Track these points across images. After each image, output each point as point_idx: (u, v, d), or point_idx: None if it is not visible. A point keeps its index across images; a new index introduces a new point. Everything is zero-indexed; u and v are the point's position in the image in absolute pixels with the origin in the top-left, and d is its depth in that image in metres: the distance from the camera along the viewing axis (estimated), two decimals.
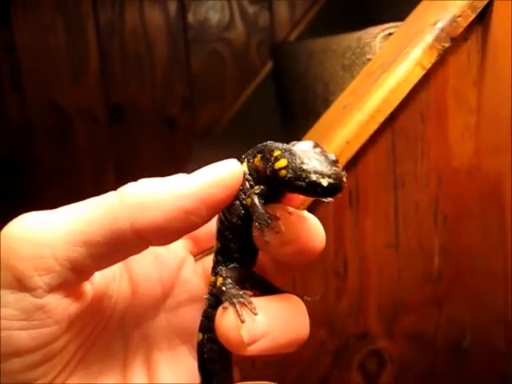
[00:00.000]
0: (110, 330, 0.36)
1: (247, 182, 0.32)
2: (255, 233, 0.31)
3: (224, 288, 0.32)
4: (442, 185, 0.66)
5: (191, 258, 0.39)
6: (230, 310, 0.30)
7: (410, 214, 0.66)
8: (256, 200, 0.31)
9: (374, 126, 0.60)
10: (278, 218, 0.30)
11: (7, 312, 0.29)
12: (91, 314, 0.34)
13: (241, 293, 0.31)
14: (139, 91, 1.55)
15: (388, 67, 0.62)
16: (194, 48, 1.56)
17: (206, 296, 0.34)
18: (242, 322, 0.30)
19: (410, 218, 0.66)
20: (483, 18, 0.63)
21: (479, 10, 0.61)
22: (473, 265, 0.68)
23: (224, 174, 0.31)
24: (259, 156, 0.32)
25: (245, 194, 0.32)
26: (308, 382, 0.70)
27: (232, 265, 0.33)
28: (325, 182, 0.29)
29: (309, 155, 0.30)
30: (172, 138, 1.57)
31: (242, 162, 0.33)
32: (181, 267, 0.38)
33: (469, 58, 0.64)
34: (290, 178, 0.29)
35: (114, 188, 0.31)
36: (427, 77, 0.62)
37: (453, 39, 0.61)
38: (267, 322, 0.31)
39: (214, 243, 0.35)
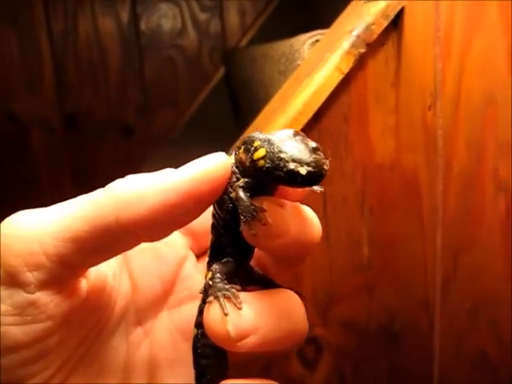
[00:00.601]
0: (111, 328, 0.35)
1: (234, 176, 0.31)
2: (242, 226, 0.30)
3: (211, 282, 0.31)
4: (366, 180, 0.70)
5: (192, 255, 0.39)
6: (215, 304, 0.30)
7: (338, 208, 0.70)
8: (241, 193, 0.30)
9: (298, 127, 0.64)
10: (264, 210, 0.30)
11: (0, 307, 0.29)
12: (89, 310, 0.34)
13: (227, 287, 0.31)
14: (94, 99, 1.57)
15: (310, 72, 0.66)
16: (147, 55, 1.59)
17: (200, 291, 0.34)
18: (226, 314, 0.29)
19: (338, 211, 0.70)
20: (397, 24, 0.68)
21: (391, 17, 0.66)
22: (398, 253, 0.73)
23: (209, 167, 0.30)
24: (243, 148, 0.31)
25: (231, 187, 0.31)
26: (250, 371, 0.74)
27: (225, 259, 0.33)
28: (303, 170, 0.28)
29: (287, 144, 0.29)
30: (128, 144, 1.60)
31: (230, 155, 0.32)
32: (181, 264, 0.38)
33: (386, 62, 0.69)
34: (268, 167, 0.29)
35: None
36: (348, 80, 0.67)
37: (368, 45, 0.66)
38: (256, 317, 0.30)
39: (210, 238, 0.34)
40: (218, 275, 0.32)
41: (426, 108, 0.65)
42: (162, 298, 0.37)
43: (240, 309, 0.30)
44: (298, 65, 0.77)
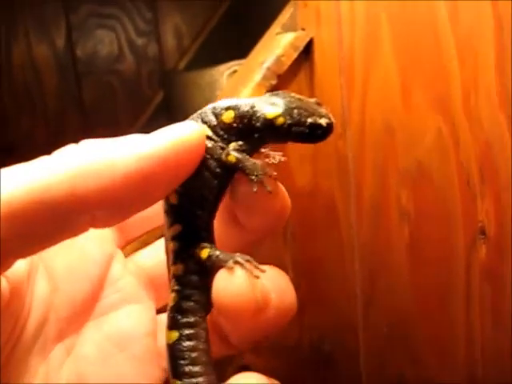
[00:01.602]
0: (27, 343, 0.29)
1: (214, 145, 0.29)
2: (255, 187, 0.28)
3: (217, 253, 0.29)
4: None
5: (120, 252, 0.33)
6: (238, 269, 0.27)
7: None
8: (240, 155, 0.28)
9: None
10: (269, 164, 0.29)
11: None
12: (4, 322, 0.27)
13: (238, 254, 0.28)
14: (32, 127, 1.55)
15: None
16: (85, 81, 1.58)
17: (175, 288, 0.30)
18: (257, 277, 0.27)
19: None
20: (308, 55, 0.70)
21: (301, 48, 0.68)
22: (322, 277, 0.75)
23: (186, 135, 0.26)
24: (231, 112, 0.29)
25: (214, 160, 0.29)
26: None
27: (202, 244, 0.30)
28: (323, 121, 0.28)
29: (293, 100, 0.29)
30: None
31: None
32: (109, 262, 0.32)
33: (300, 92, 0.70)
34: (290, 124, 0.28)
35: None
36: None
37: (279, 76, 0.67)
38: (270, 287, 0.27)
39: (163, 230, 0.31)
40: (217, 250, 0.29)
41: (338, 137, 0.67)
42: (88, 304, 0.31)
43: (263, 271, 0.27)
44: (217, 95, 0.78)
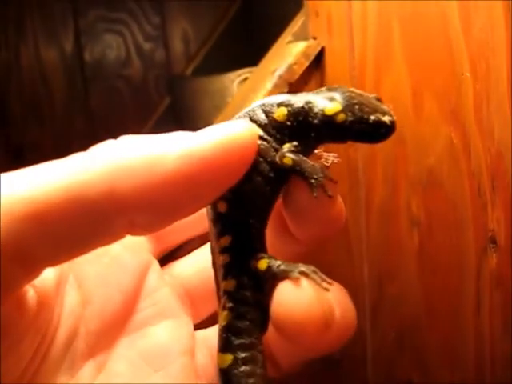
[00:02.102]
0: (55, 359, 0.26)
1: (266, 145, 0.27)
2: (315, 191, 0.25)
3: (278, 263, 0.26)
4: None
5: (156, 262, 0.31)
6: (304, 281, 0.24)
7: None
8: (297, 157, 0.26)
9: None
10: (328, 166, 0.27)
11: None
12: (31, 333, 0.25)
13: (302, 264, 0.25)
14: (39, 131, 1.56)
15: (237, 112, 0.68)
16: (92, 86, 1.59)
17: (227, 305, 0.27)
18: (327, 290, 0.24)
19: None
20: (319, 64, 0.70)
21: (312, 57, 0.69)
22: (332, 279, 0.75)
23: (237, 133, 0.24)
24: (283, 109, 0.27)
25: (267, 163, 0.27)
26: None
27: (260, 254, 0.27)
28: (387, 119, 0.26)
29: (354, 96, 0.27)
30: None
31: None
32: (145, 273, 0.30)
33: None
34: (352, 121, 0.26)
35: None
36: None
37: (291, 85, 0.68)
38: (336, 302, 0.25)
39: (210, 241, 0.29)
40: (278, 261, 0.26)
41: (348, 145, 0.68)
42: (121, 318, 0.29)
43: (331, 284, 0.25)
44: (228, 103, 0.79)
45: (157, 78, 1.62)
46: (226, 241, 0.27)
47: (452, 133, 0.56)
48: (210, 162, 0.22)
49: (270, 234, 0.28)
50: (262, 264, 0.26)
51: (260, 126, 0.27)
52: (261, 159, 0.26)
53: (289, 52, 0.69)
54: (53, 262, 0.23)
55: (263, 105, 0.28)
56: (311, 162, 0.26)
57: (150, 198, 0.22)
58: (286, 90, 0.68)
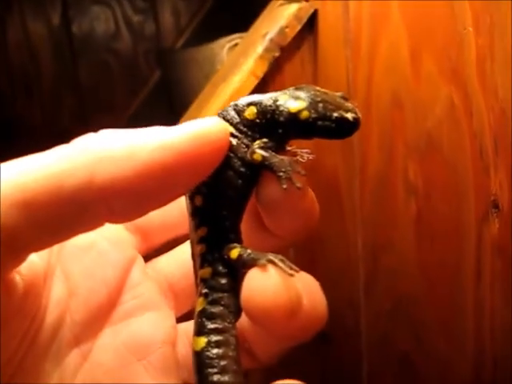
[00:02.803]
0: (42, 346, 0.28)
1: (238, 142, 0.28)
2: (284, 184, 0.26)
3: (248, 252, 0.27)
4: None
5: (140, 258, 0.33)
6: (271, 268, 0.25)
7: None
8: (266, 152, 0.27)
9: None
10: (297, 160, 0.28)
11: None
12: (18, 319, 0.26)
13: (271, 253, 0.26)
14: (28, 106, 1.54)
15: (226, 77, 0.66)
16: (81, 59, 1.56)
17: (202, 291, 0.29)
18: (291, 275, 0.25)
19: None
20: (312, 27, 0.68)
21: (304, 20, 0.66)
22: (323, 253, 0.73)
23: (209, 127, 0.25)
24: (253, 108, 0.28)
25: (238, 159, 0.28)
26: None
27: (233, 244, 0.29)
28: (350, 116, 0.27)
29: (318, 94, 0.28)
30: None
31: None
32: (129, 267, 0.32)
33: (302, 65, 0.69)
34: (315, 118, 0.27)
35: None
36: (265, 84, 0.66)
37: (282, 49, 0.65)
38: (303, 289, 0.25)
39: (191, 233, 0.30)
40: (248, 249, 0.27)
41: None
42: (106, 309, 0.31)
43: (297, 271, 0.25)
44: (218, 69, 0.76)
45: (146, 52, 1.59)
46: (202, 232, 0.29)
47: (453, 93, 0.54)
48: (183, 153, 0.24)
49: (249, 230, 0.30)
50: (234, 253, 0.28)
51: (232, 124, 0.29)
52: (232, 155, 0.28)
53: (280, 14, 0.66)
54: (37, 246, 0.24)
55: (235, 105, 0.29)
56: (280, 157, 0.27)
57: (128, 186, 0.23)
58: (278, 53, 0.66)
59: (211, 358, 0.27)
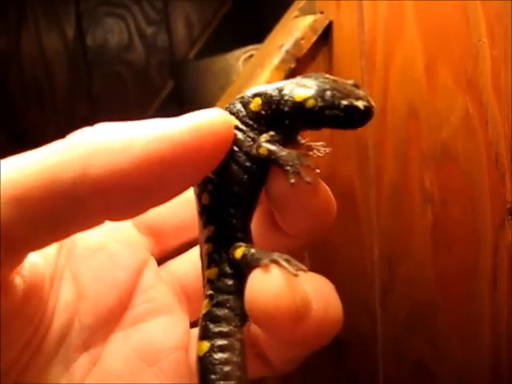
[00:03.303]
0: (49, 351, 0.27)
1: (244, 136, 0.27)
2: (293, 178, 0.25)
3: (252, 251, 0.26)
4: None
5: (153, 260, 0.32)
6: (275, 268, 0.23)
7: None
8: (273, 146, 0.26)
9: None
10: (307, 154, 0.26)
11: None
12: (20, 323, 0.26)
13: (276, 253, 0.24)
14: (41, 117, 1.55)
15: (242, 89, 0.67)
16: (94, 71, 1.58)
17: (208, 293, 0.27)
18: (296, 275, 0.23)
19: None
20: (327, 39, 0.69)
21: (320, 32, 0.67)
22: (339, 261, 0.74)
23: (211, 118, 0.24)
24: (258, 99, 0.27)
25: (244, 153, 0.27)
26: None
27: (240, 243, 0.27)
28: (360, 104, 0.25)
29: (326, 81, 0.26)
30: None
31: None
32: (141, 270, 0.31)
33: None
34: (321, 106, 0.25)
35: None
36: None
37: (298, 60, 0.66)
38: (312, 292, 0.24)
39: (199, 232, 0.29)
40: (253, 249, 0.26)
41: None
42: (116, 313, 0.30)
43: (305, 271, 0.24)
44: (234, 80, 0.78)
45: (159, 63, 1.61)
46: (209, 231, 0.28)
47: (468, 102, 0.55)
48: (182, 144, 0.23)
49: (261, 230, 0.29)
50: (238, 253, 0.26)
51: (238, 117, 0.27)
52: (237, 149, 0.27)
53: (296, 26, 0.68)
54: (34, 245, 0.23)
55: (241, 97, 0.28)
56: (287, 150, 0.26)
57: (123, 179, 0.22)
58: (294, 65, 0.67)
59: (214, 364, 0.26)
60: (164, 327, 0.30)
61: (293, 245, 0.28)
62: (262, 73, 0.66)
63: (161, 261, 0.32)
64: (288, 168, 0.25)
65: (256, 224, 0.28)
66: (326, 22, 0.68)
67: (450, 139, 0.58)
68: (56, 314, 0.28)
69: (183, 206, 0.31)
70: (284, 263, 0.24)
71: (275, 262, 0.24)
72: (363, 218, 0.70)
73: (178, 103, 1.52)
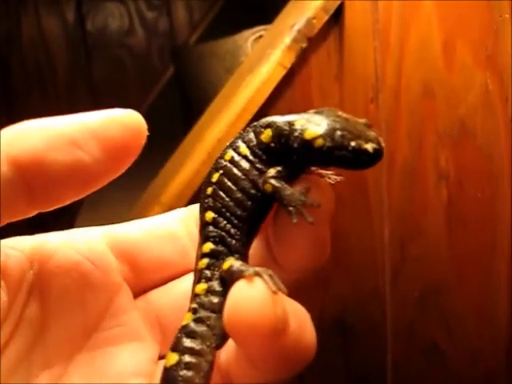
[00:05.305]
0: (7, 366, 0.27)
1: (251, 166, 0.28)
2: (295, 218, 0.26)
3: (238, 265, 0.26)
4: None
5: (127, 288, 0.31)
6: (258, 281, 0.23)
7: None
8: (278, 183, 0.26)
9: (242, 124, 0.64)
10: (308, 189, 0.26)
11: None
12: None
13: (261, 268, 0.25)
14: (42, 101, 1.54)
15: (253, 69, 0.66)
16: (95, 55, 1.57)
17: (191, 306, 0.27)
18: (275, 292, 0.23)
19: None
20: (338, 18, 0.68)
21: (332, 11, 0.66)
22: (348, 245, 0.73)
23: (122, 115, 0.26)
24: (269, 131, 0.27)
25: (250, 181, 0.28)
26: None
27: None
28: (369, 147, 0.25)
29: (338, 120, 0.26)
30: None
31: (233, 149, 0.28)
32: (114, 294, 0.30)
33: (329, 56, 0.69)
34: (329, 147, 0.25)
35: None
36: (291, 75, 0.67)
37: (310, 39, 0.66)
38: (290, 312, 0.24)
39: (198, 246, 0.29)
40: (239, 262, 0.27)
41: (369, 101, 0.66)
42: (82, 335, 0.29)
43: (285, 293, 0.24)
44: (242, 61, 0.77)
45: (160, 47, 1.60)
46: (206, 248, 0.28)
47: (488, 79, 0.54)
48: (91, 128, 0.25)
49: (258, 259, 0.29)
50: (226, 264, 0.27)
51: (248, 147, 0.28)
52: (243, 177, 0.28)
53: (307, 6, 0.67)
54: None
55: (255, 126, 0.28)
56: (291, 190, 0.26)
57: (40, 159, 0.24)
58: (305, 44, 0.66)
59: (176, 380, 0.25)
60: (130, 353, 0.30)
61: (286, 278, 0.27)
62: (273, 53, 0.65)
63: (138, 294, 0.32)
64: (291, 209, 0.26)
65: (253, 253, 0.29)
66: (338, 2, 0.67)
67: (468, 117, 0.57)
68: (19, 329, 0.28)
69: (163, 242, 0.32)
70: (267, 278, 0.24)
71: (258, 274, 0.24)
72: (374, 202, 0.69)
73: (179, 87, 1.51)
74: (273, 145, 0.27)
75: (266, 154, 0.28)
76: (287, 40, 0.65)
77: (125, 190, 0.75)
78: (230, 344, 0.27)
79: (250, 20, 1.24)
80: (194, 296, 0.28)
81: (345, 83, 0.69)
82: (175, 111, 1.49)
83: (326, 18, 0.66)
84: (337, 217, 0.72)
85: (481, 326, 0.62)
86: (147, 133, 0.27)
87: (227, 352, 0.27)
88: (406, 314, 0.70)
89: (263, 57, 0.66)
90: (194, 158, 0.64)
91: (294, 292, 0.26)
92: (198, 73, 1.16)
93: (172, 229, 0.32)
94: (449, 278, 0.64)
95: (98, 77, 1.57)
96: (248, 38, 0.75)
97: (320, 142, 0.26)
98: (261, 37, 0.76)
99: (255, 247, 0.29)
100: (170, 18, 1.61)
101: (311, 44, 0.66)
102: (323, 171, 0.29)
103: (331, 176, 0.29)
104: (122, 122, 0.26)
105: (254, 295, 0.23)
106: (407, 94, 0.62)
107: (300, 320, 0.24)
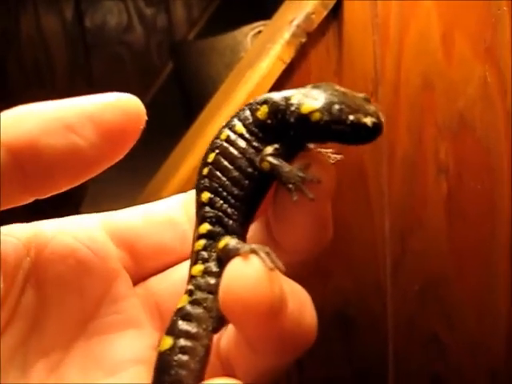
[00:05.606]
0: (4, 353, 0.27)
1: (247, 144, 0.27)
2: (294, 196, 0.25)
3: (234, 243, 0.25)
4: None
5: (126, 275, 0.31)
6: (254, 258, 0.23)
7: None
8: (275, 160, 0.26)
9: None
10: (308, 165, 0.25)
11: None
12: None
13: (258, 245, 0.24)
14: (40, 99, 1.54)
15: (253, 64, 0.67)
16: (94, 52, 1.57)
17: (189, 288, 0.27)
18: (271, 269, 0.22)
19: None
20: (337, 14, 0.68)
21: (331, 6, 0.67)
22: (349, 238, 0.74)
23: (120, 98, 0.26)
24: (265, 107, 0.27)
25: (247, 159, 0.27)
26: None
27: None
28: (369, 121, 0.25)
29: (336, 94, 0.26)
30: None
31: (229, 127, 0.28)
32: (112, 281, 0.30)
33: (328, 51, 0.69)
34: (327, 121, 0.25)
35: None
36: (291, 70, 0.67)
37: (309, 34, 0.66)
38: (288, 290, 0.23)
39: (195, 228, 0.28)
40: (235, 240, 0.26)
41: (369, 95, 0.66)
42: (80, 322, 0.29)
43: (283, 270, 0.23)
44: (242, 57, 0.77)
45: (159, 44, 1.60)
46: (203, 229, 0.27)
47: (487, 72, 0.54)
48: (85, 114, 0.25)
49: (258, 242, 0.28)
50: (222, 243, 0.26)
51: (244, 124, 0.27)
52: (240, 156, 0.27)
53: (306, 1, 0.67)
54: None
55: (251, 103, 0.27)
56: (289, 167, 0.25)
57: (34, 143, 0.24)
58: (305, 39, 0.66)
59: (170, 365, 0.24)
60: (129, 340, 0.29)
61: (287, 262, 0.26)
62: (272, 48, 0.66)
63: (138, 281, 0.32)
64: (290, 186, 0.25)
65: (253, 235, 0.28)
66: None
67: (467, 109, 0.57)
68: (16, 316, 0.27)
69: (163, 228, 0.31)
70: (263, 255, 0.23)
71: (254, 252, 0.23)
72: (374, 194, 0.70)
73: (178, 84, 1.51)
74: (269, 121, 0.27)
75: (263, 131, 0.27)
76: (286, 35, 0.65)
77: (126, 185, 0.75)
78: (231, 328, 0.26)
79: (249, 16, 1.24)
80: (191, 278, 0.27)
81: (344, 78, 0.70)
82: (175, 107, 1.49)
83: (325, 13, 0.67)
84: (337, 210, 0.72)
85: (481, 318, 0.63)
86: (146, 117, 0.26)
87: (227, 337, 0.27)
88: (406, 307, 0.71)
89: (263, 52, 0.67)
90: (194, 154, 0.64)
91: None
92: (197, 68, 1.16)
93: (172, 214, 0.31)
94: (449, 271, 0.64)
95: (98, 74, 1.57)
96: (247, 34, 0.75)
97: (317, 115, 0.25)
98: (260, 32, 0.76)
99: (254, 229, 0.29)
100: (169, 14, 1.61)
101: (310, 39, 0.66)
102: (322, 149, 0.28)
103: (330, 155, 0.28)
104: (120, 106, 0.25)
105: (249, 273, 0.22)
106: (407, 87, 0.62)
107: (300, 301, 0.23)
